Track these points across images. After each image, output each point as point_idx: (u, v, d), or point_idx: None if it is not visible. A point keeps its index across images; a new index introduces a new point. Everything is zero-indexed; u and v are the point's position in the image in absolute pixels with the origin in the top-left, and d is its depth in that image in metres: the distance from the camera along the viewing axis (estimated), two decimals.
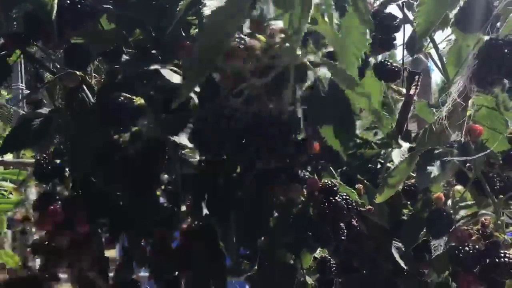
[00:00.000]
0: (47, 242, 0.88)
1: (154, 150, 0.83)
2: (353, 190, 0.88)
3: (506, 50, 0.58)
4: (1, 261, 2.04)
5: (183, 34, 0.93)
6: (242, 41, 0.50)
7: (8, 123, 2.10)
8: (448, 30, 0.74)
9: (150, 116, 0.82)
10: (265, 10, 0.54)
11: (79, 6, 0.74)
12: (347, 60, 0.54)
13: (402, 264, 1.10)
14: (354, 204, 0.85)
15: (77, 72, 0.84)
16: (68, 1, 0.74)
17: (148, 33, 0.91)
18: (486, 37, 0.62)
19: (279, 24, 0.51)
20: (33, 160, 2.11)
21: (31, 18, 0.76)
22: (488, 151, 0.80)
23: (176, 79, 0.77)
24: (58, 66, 0.89)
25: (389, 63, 0.81)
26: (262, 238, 0.92)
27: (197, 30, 0.91)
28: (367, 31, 0.52)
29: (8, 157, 2.11)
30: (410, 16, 0.79)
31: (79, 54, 0.80)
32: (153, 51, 0.89)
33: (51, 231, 0.83)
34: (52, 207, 0.81)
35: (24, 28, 0.77)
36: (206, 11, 0.63)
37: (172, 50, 0.86)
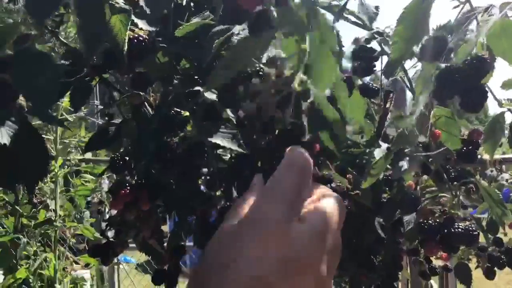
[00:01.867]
0: (119, 218, 0.90)
1: (196, 149, 0.85)
2: (344, 179, 0.89)
3: (456, 75, 0.60)
4: (81, 233, 2.09)
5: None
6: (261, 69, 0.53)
7: (87, 131, 2.14)
8: (414, 60, 0.76)
9: (193, 124, 0.84)
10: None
11: (143, 44, 0.76)
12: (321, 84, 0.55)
13: (383, 235, 1.12)
14: (345, 189, 0.86)
15: (141, 93, 0.86)
16: (135, 41, 0.76)
17: (192, 63, 0.93)
18: (443, 65, 0.64)
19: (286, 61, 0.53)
20: (106, 158, 2.15)
21: (109, 53, 0.78)
22: (445, 148, 0.81)
23: (212, 97, 0.79)
24: (126, 88, 0.91)
25: (370, 84, 0.82)
26: None
27: None
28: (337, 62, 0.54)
29: (87, 155, 2.16)
30: (386, 49, 0.81)
31: (142, 79, 0.82)
32: (196, 77, 0.91)
33: (122, 209, 0.85)
34: (123, 191, 0.83)
35: (104, 60, 0.79)
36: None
37: (208, 75, 0.88)
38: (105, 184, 2.27)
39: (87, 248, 2.62)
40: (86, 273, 2.24)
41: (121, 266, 2.83)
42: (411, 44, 0.61)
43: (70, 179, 1.96)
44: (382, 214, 1.09)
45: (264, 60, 0.55)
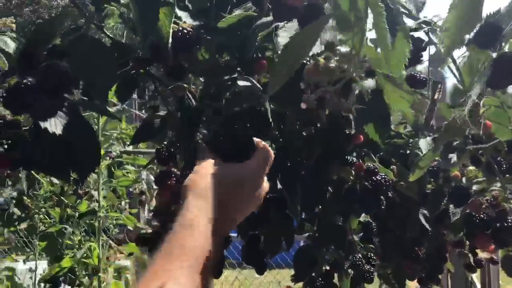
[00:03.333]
0: (164, 208, 0.92)
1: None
2: (389, 171, 0.89)
3: None
4: (123, 222, 2.14)
5: (259, 55, 0.95)
6: (317, 60, 0.53)
7: (128, 123, 2.17)
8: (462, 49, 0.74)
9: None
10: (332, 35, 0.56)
11: (187, 37, 0.77)
12: (392, 72, 0.55)
13: (427, 226, 1.10)
14: (390, 181, 0.86)
15: (185, 85, 0.87)
16: (180, 34, 0.77)
17: (233, 55, 0.94)
18: (494, 53, 0.62)
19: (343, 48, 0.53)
20: (146, 150, 2.19)
21: (153, 46, 0.79)
22: (496, 141, 0.79)
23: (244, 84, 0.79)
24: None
25: (418, 75, 0.81)
26: (320, 206, 0.93)
27: (271, 52, 0.93)
28: (407, 50, 0.53)
29: (128, 147, 2.20)
30: (434, 38, 0.79)
31: (178, 70, 0.83)
32: (238, 69, 0.92)
33: (169, 199, 0.86)
34: (169, 181, 0.84)
35: (150, 53, 0.80)
36: (281, 40, 0.66)
37: (251, 66, 0.89)
38: (144, 175, 2.32)
39: (126, 238, 2.67)
40: (126, 263, 2.29)
41: None
42: (464, 32, 0.59)
43: (113, 170, 2.01)
44: (427, 206, 1.08)
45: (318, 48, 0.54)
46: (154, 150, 2.14)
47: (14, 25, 1.74)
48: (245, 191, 0.68)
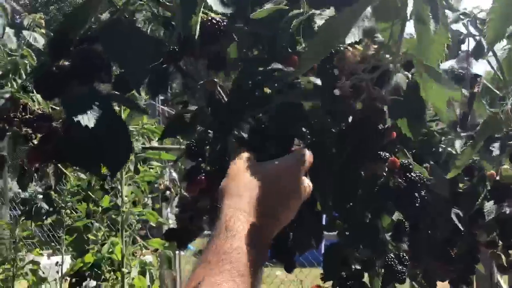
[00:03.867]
0: (192, 203, 0.91)
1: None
2: (423, 169, 0.87)
3: None
4: (146, 218, 2.15)
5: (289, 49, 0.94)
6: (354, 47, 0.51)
7: (150, 117, 2.18)
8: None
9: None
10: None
11: (216, 27, 0.75)
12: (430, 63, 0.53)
13: (460, 226, 1.08)
14: (425, 179, 0.83)
15: (215, 79, 0.87)
16: (209, 23, 0.75)
17: (263, 47, 0.93)
18: None
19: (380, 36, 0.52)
20: (171, 146, 2.19)
21: (183, 38, 0.78)
22: None
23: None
24: (201, 74, 0.92)
25: (456, 68, 0.79)
26: (351, 203, 0.91)
27: (302, 46, 0.92)
28: (447, 42, 0.51)
29: (153, 143, 2.21)
30: (473, 31, 0.77)
31: (218, 60, 0.82)
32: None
33: (197, 194, 0.86)
34: (198, 177, 0.84)
35: (180, 46, 0.79)
36: (319, 21, 0.64)
37: (280, 59, 0.88)
38: (166, 172, 2.33)
39: (148, 234, 2.69)
40: (151, 258, 2.31)
41: (182, 253, 2.89)
42: (508, 24, 0.57)
43: (138, 166, 2.01)
44: (461, 205, 1.06)
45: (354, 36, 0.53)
46: (177, 147, 2.14)
47: (43, 21, 1.76)
48: (282, 186, 0.66)
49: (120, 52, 0.59)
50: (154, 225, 2.60)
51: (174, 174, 2.46)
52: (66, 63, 0.58)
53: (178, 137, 2.17)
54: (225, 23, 0.78)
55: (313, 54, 0.51)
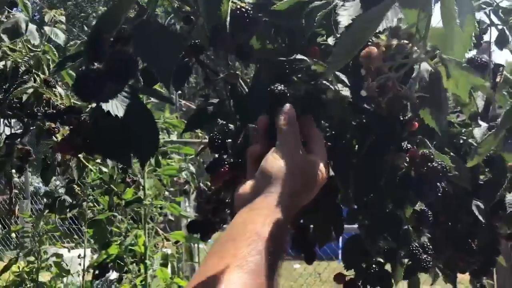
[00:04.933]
0: (215, 196, 0.93)
1: None
2: (446, 157, 0.87)
3: None
4: (168, 211, 2.18)
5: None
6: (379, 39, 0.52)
7: (172, 112, 2.21)
8: None
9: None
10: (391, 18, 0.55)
11: (245, 15, 0.76)
12: (456, 55, 0.53)
13: (481, 218, 1.08)
14: (447, 168, 0.84)
15: (237, 72, 0.88)
16: (238, 12, 0.76)
17: (283, 39, 0.93)
18: None
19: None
20: (190, 140, 2.22)
21: (212, 30, 0.79)
22: None
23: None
24: (223, 69, 0.93)
25: (478, 58, 0.79)
26: (373, 194, 0.92)
27: (323, 38, 0.92)
28: (473, 33, 0.52)
29: (172, 137, 2.24)
30: (495, 20, 0.77)
31: (247, 50, 0.83)
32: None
33: (220, 187, 0.87)
34: (222, 169, 0.85)
35: (211, 37, 0.79)
36: (341, 19, 0.65)
37: (301, 52, 0.88)
38: (184, 165, 2.36)
39: (167, 227, 2.71)
40: (168, 251, 2.34)
41: (201, 245, 2.91)
42: None
43: (159, 160, 2.04)
44: (481, 196, 1.05)
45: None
46: (197, 140, 2.16)
47: (64, 17, 1.79)
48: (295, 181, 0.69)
49: (151, 52, 0.61)
50: (173, 219, 2.63)
51: (192, 168, 2.48)
52: (102, 65, 0.60)
53: (196, 131, 2.21)
54: (253, 11, 0.79)
55: (344, 51, 0.52)
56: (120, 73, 0.59)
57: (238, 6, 0.74)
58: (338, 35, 0.62)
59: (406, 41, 0.51)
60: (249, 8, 0.75)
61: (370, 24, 0.51)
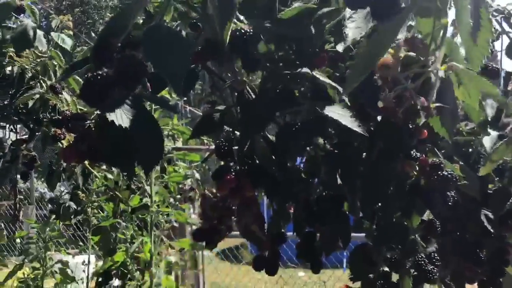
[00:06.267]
0: (221, 203, 0.91)
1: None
2: (455, 167, 0.85)
3: None
4: (175, 218, 2.17)
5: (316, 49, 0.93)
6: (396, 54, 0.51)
7: (180, 118, 2.20)
8: None
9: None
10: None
11: (244, 37, 0.76)
12: (473, 63, 0.52)
13: (489, 228, 1.06)
14: (457, 178, 0.82)
15: (245, 79, 0.87)
16: (237, 33, 0.76)
17: (290, 47, 0.93)
18: None
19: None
20: (196, 146, 2.21)
21: (210, 43, 0.79)
22: None
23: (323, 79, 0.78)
24: (229, 75, 0.92)
25: (490, 65, 0.78)
26: (380, 203, 0.91)
27: (331, 45, 0.91)
28: (490, 43, 0.50)
29: (178, 144, 2.23)
30: (507, 27, 0.76)
31: (253, 61, 0.82)
32: (297, 62, 0.90)
33: (227, 194, 0.86)
34: (228, 176, 0.84)
35: (207, 48, 0.79)
36: (349, 31, 0.64)
37: (309, 59, 0.87)
38: (193, 172, 2.35)
39: (171, 234, 2.70)
40: (176, 258, 2.33)
41: (205, 253, 2.90)
42: None
43: (165, 166, 2.04)
44: (490, 206, 1.04)
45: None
46: (203, 147, 2.15)
47: (71, 23, 1.79)
48: None
49: (162, 58, 0.60)
50: (176, 225, 2.62)
51: (197, 175, 2.48)
52: (110, 71, 0.59)
53: (202, 137, 2.20)
54: (251, 32, 0.79)
55: (362, 67, 0.51)
56: (129, 79, 0.58)
57: (239, 28, 0.74)
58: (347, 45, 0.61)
59: (421, 51, 0.50)
60: (249, 30, 0.75)
61: (387, 37, 0.50)
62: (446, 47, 0.51)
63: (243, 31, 0.78)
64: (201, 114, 1.02)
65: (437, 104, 0.61)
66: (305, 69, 0.79)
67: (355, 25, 0.63)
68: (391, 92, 0.50)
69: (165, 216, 2.03)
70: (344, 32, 0.65)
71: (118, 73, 0.58)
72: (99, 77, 0.58)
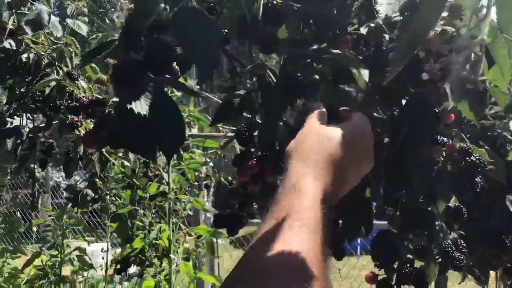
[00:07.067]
0: (242, 190, 0.90)
1: None
2: (484, 152, 0.83)
3: None
4: (191, 206, 2.17)
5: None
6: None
7: (197, 105, 2.19)
8: None
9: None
10: None
11: (277, 8, 0.74)
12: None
13: None
14: (486, 163, 0.80)
15: (266, 63, 0.85)
16: (269, 4, 0.75)
17: (311, 29, 0.90)
18: None
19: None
20: (213, 133, 2.19)
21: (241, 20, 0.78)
22: None
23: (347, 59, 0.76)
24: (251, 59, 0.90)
25: None
26: (405, 189, 0.89)
27: (354, 27, 0.89)
28: None
29: (194, 131, 2.22)
30: None
31: (273, 42, 0.81)
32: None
33: (247, 180, 0.85)
34: (249, 162, 0.83)
35: (239, 28, 0.77)
36: (381, 7, 0.62)
37: (333, 41, 0.85)
38: (209, 159, 2.34)
39: (185, 221, 2.71)
40: (193, 245, 2.33)
41: (219, 241, 2.90)
42: None
43: (182, 153, 2.03)
44: None
45: None
46: (219, 134, 2.13)
47: (86, 9, 1.78)
48: (357, 150, 0.66)
49: (191, 40, 0.58)
50: (191, 213, 2.62)
51: (211, 163, 2.47)
52: (139, 55, 0.58)
53: (218, 124, 2.18)
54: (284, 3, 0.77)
55: (405, 49, 0.48)
56: (159, 63, 0.57)
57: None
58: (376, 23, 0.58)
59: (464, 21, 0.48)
60: (280, 2, 0.73)
61: (432, 15, 0.47)
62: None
63: (275, 2, 0.77)
64: (218, 100, 1.01)
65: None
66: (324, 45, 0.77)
67: (387, 1, 0.61)
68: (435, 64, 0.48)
69: (183, 204, 2.03)
70: (375, 8, 0.63)
71: (147, 58, 0.57)
72: (130, 60, 0.56)
